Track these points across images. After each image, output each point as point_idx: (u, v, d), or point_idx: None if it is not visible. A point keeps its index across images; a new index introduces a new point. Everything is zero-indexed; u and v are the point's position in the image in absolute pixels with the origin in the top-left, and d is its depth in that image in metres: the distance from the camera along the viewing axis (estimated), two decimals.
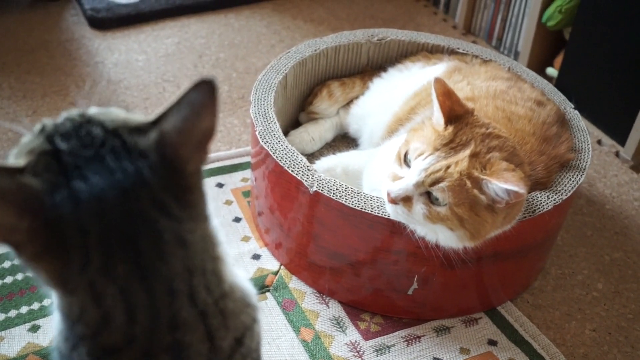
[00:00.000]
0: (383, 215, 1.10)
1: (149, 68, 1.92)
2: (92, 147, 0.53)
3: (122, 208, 0.51)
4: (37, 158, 0.52)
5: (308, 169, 1.18)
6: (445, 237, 1.05)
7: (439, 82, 1.04)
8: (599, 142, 1.75)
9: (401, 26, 2.19)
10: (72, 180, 0.51)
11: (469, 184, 0.98)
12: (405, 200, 1.02)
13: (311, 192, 1.14)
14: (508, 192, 0.96)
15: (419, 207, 1.02)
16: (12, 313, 1.18)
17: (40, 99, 1.76)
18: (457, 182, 0.98)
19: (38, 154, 0.52)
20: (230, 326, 0.58)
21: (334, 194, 1.13)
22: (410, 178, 1.01)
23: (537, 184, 1.18)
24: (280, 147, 1.22)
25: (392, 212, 1.06)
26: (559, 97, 1.44)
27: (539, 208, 1.15)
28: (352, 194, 1.13)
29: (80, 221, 0.51)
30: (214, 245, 0.58)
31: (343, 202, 1.11)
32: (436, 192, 0.99)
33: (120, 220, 0.51)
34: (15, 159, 0.53)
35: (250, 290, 0.64)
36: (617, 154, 1.71)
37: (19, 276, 1.25)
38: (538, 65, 1.94)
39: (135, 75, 1.88)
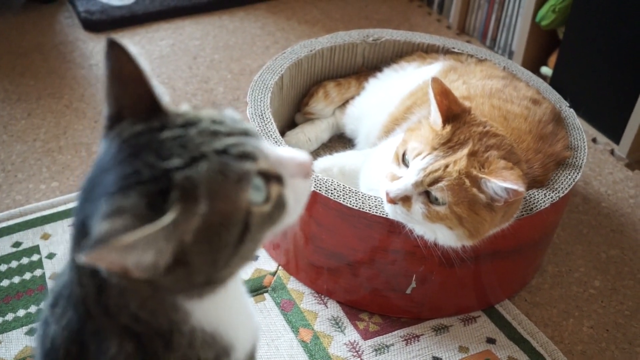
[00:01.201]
0: (381, 215, 1.10)
1: None
2: None
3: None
4: None
5: None
6: (444, 236, 1.05)
7: (436, 81, 1.04)
8: (594, 140, 1.76)
9: (395, 27, 2.20)
10: None
11: (467, 182, 0.98)
12: (404, 200, 1.03)
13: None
14: (507, 190, 0.96)
15: (418, 206, 1.02)
16: (9, 316, 1.18)
17: (34, 102, 1.75)
18: (456, 181, 0.98)
19: None
20: (174, 349, 0.61)
21: (331, 193, 1.13)
22: (409, 178, 1.01)
23: (533, 182, 1.19)
24: (277, 147, 1.22)
25: (391, 211, 1.06)
26: (554, 96, 1.45)
27: (536, 206, 1.15)
28: (349, 194, 1.13)
29: None
30: (160, 301, 0.59)
31: (341, 202, 1.11)
32: (435, 191, 0.99)
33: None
34: None
35: (229, 335, 0.65)
36: (612, 152, 1.72)
37: (16, 279, 1.25)
38: (532, 64, 1.95)
39: None
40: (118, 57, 0.57)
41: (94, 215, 0.53)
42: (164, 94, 0.59)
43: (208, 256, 0.55)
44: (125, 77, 0.58)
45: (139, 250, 0.51)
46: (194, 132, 0.56)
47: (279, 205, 0.59)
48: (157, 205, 0.52)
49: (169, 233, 0.52)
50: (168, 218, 0.51)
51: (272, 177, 0.59)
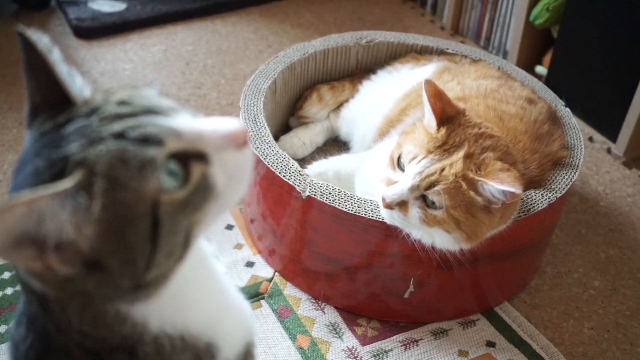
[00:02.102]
0: (377, 219, 1.08)
1: (136, 77, 1.90)
2: None
3: None
4: None
5: (300, 174, 1.17)
6: (442, 240, 1.04)
7: (429, 83, 1.03)
8: (591, 139, 1.75)
9: (389, 29, 2.18)
10: None
11: (464, 185, 0.97)
12: (401, 204, 1.01)
13: (303, 197, 1.13)
14: (504, 193, 0.95)
15: (415, 211, 1.00)
16: (2, 328, 1.16)
17: None
18: (453, 184, 0.97)
19: None
20: (142, 359, 0.58)
21: (326, 198, 1.12)
22: (404, 182, 1.00)
23: (530, 183, 1.18)
24: (271, 152, 1.20)
25: (388, 216, 1.05)
26: (550, 95, 1.44)
27: (533, 207, 1.14)
28: (345, 198, 1.12)
29: None
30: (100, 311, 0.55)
31: (336, 206, 1.10)
32: (432, 195, 0.98)
33: None
34: None
35: (206, 334, 0.61)
36: (608, 151, 1.71)
37: (8, 290, 1.23)
38: (527, 64, 1.94)
39: (123, 84, 1.86)
40: (27, 49, 0.54)
41: None
42: (81, 85, 0.55)
43: (122, 256, 0.50)
44: (36, 70, 0.54)
45: (33, 219, 0.47)
46: (96, 119, 0.51)
47: (203, 188, 0.52)
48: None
49: (66, 202, 0.48)
50: (63, 185, 0.47)
51: (191, 157, 0.51)
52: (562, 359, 1.16)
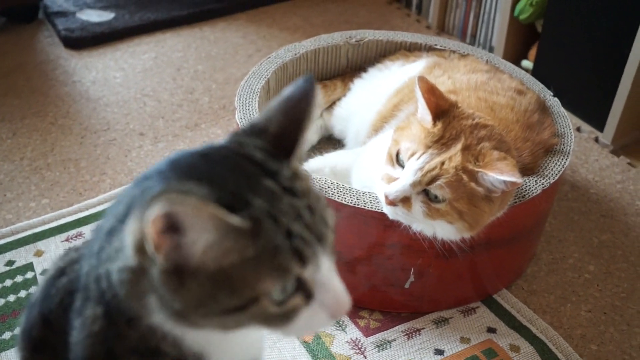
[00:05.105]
0: (376, 210, 1.10)
1: (127, 84, 1.91)
2: None
3: None
4: None
5: None
6: (444, 230, 1.05)
7: (422, 80, 1.05)
8: (578, 129, 1.78)
9: (376, 29, 2.20)
10: None
11: (465, 178, 0.99)
12: (404, 200, 1.03)
13: None
14: (505, 182, 0.98)
15: (418, 205, 1.02)
16: (7, 335, 1.16)
17: (19, 121, 1.74)
18: (454, 177, 0.99)
19: None
20: (135, 328, 0.61)
21: (325, 191, 1.13)
22: (406, 178, 1.02)
23: (524, 170, 1.20)
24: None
25: (391, 213, 1.06)
26: (538, 86, 1.47)
27: (528, 193, 1.16)
28: (344, 191, 1.14)
29: None
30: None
31: (336, 199, 1.12)
32: (434, 189, 1.00)
33: None
34: None
35: (200, 349, 0.64)
36: (596, 140, 1.74)
37: (11, 297, 1.23)
38: (513, 58, 1.97)
39: (115, 92, 1.87)
40: (305, 92, 0.61)
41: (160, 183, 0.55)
42: (304, 149, 0.62)
43: (200, 295, 0.54)
44: (294, 110, 0.61)
45: (200, 229, 0.52)
46: (286, 201, 0.56)
47: (287, 316, 0.57)
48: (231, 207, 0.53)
49: (229, 235, 0.52)
50: (241, 223, 0.52)
51: (302, 290, 0.57)
52: (561, 341, 1.18)
